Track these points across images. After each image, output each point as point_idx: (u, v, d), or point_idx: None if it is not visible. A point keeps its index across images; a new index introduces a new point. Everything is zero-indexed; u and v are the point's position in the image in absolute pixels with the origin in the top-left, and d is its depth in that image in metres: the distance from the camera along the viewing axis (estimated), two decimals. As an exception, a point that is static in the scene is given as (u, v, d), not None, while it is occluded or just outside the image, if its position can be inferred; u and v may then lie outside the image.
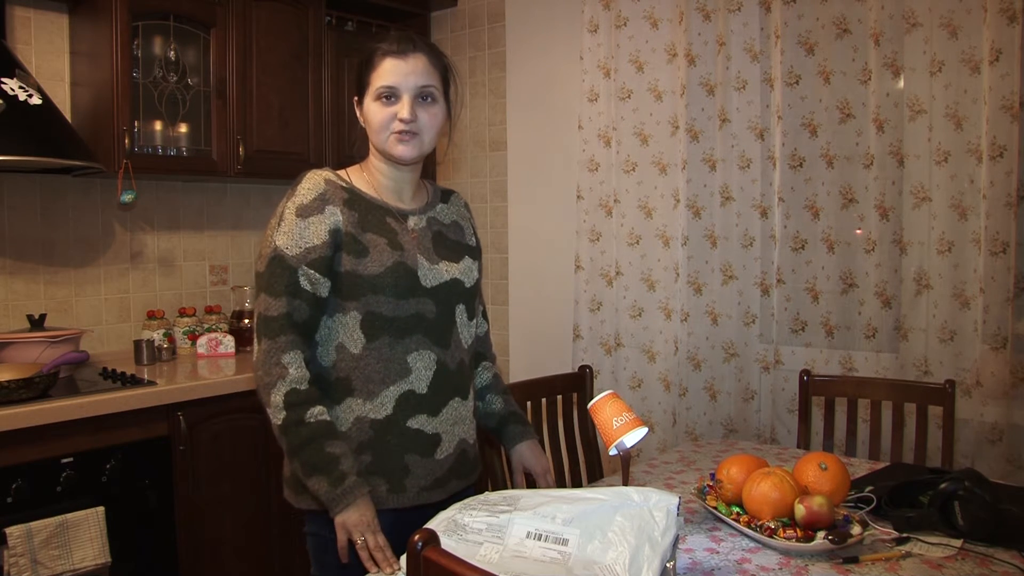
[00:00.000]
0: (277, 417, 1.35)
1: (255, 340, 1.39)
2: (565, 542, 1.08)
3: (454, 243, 1.55)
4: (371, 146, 1.49)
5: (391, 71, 1.41)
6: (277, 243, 1.38)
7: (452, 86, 1.50)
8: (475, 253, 1.59)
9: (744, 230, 2.57)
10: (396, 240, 1.43)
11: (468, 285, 1.52)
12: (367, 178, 1.49)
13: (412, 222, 1.49)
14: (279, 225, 1.39)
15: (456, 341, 1.49)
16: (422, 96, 1.43)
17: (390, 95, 1.41)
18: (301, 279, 1.36)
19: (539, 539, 1.09)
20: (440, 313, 1.45)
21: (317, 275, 1.37)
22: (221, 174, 2.72)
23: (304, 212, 1.38)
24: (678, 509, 1.13)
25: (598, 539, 1.08)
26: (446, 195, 1.62)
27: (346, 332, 1.40)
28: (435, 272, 1.45)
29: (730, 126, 2.57)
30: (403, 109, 1.41)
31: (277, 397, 1.34)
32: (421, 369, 1.43)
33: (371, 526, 1.31)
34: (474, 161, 3.39)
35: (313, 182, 1.41)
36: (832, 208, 2.43)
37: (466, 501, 1.16)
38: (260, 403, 1.39)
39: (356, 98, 1.49)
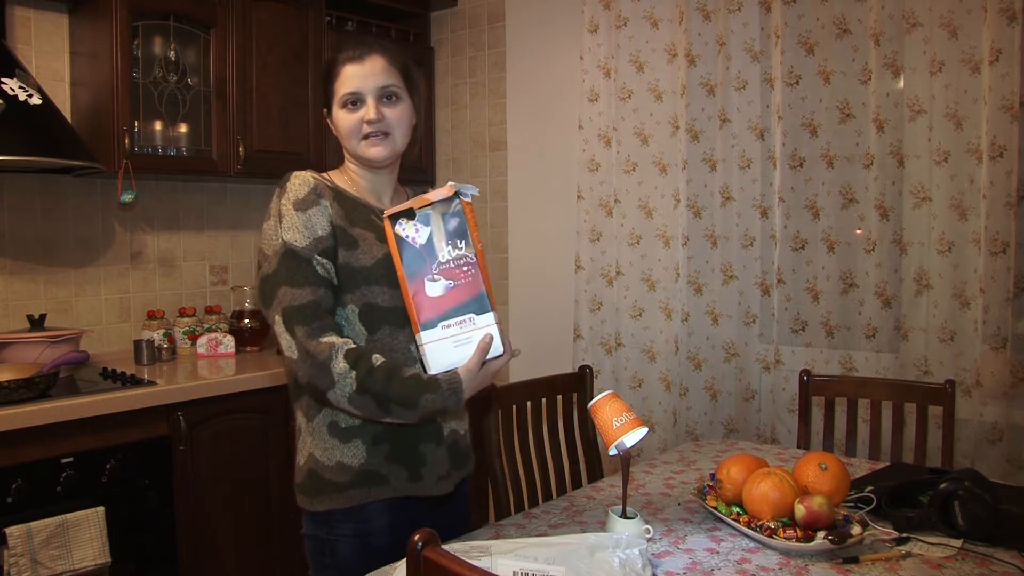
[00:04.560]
0: (348, 381, 1.29)
1: (287, 334, 1.32)
2: None
3: None
4: (345, 153, 1.51)
5: (352, 76, 1.43)
6: (285, 238, 1.36)
7: (414, 83, 1.51)
8: None
9: (744, 230, 2.57)
10: (383, 235, 1.43)
11: None
12: (347, 180, 1.50)
13: None
14: (280, 222, 1.38)
15: None
16: (386, 96, 1.44)
17: (355, 101, 1.43)
18: (317, 267, 1.36)
19: None
20: None
21: (328, 263, 1.37)
22: (221, 174, 2.72)
23: (302, 205, 1.38)
24: (647, 548, 1.16)
25: None
26: None
27: (349, 327, 1.40)
28: None
29: (730, 126, 2.57)
30: (369, 111, 1.43)
31: (339, 364, 1.29)
32: None
33: (484, 374, 1.34)
34: (474, 161, 3.39)
35: (302, 179, 1.42)
36: (832, 208, 2.43)
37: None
38: (312, 397, 1.35)
39: (325, 110, 1.50)
